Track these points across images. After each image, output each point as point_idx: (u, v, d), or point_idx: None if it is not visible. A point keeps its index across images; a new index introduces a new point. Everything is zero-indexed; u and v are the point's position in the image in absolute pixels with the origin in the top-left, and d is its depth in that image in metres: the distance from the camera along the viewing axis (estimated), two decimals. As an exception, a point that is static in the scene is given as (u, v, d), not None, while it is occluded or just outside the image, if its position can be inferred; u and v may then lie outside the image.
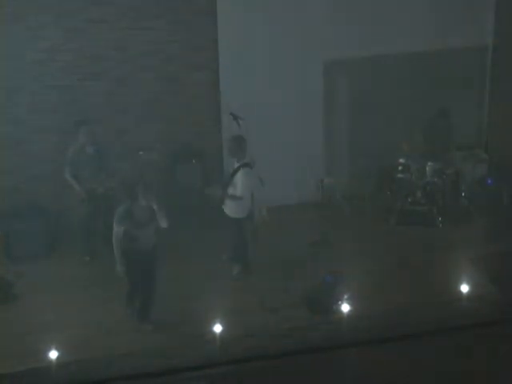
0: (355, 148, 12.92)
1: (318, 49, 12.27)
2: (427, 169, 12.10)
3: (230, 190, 10.21)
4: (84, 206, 10.91)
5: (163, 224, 9.17)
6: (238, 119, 10.98)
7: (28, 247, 11.21)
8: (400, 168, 12.30)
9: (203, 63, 12.15)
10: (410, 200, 12.19)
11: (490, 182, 12.63)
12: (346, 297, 9.56)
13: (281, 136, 12.31)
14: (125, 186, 9.57)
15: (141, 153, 11.71)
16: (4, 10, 11.12)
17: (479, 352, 8.79)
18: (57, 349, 8.59)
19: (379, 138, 12.57)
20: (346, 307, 9.39)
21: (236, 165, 10.25)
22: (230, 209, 10.32)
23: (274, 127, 12.23)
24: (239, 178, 10.11)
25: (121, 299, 9.77)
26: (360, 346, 9.00)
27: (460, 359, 8.68)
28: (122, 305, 9.76)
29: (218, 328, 9.01)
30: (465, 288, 9.74)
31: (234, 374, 8.73)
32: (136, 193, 9.03)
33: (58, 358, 8.54)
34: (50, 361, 8.53)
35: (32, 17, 11.29)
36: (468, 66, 13.15)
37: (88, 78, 11.75)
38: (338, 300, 9.52)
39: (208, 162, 12.38)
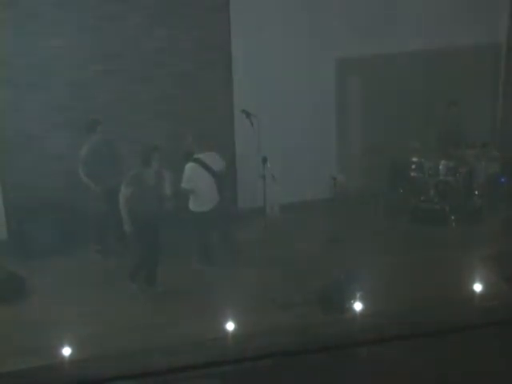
0: (368, 145, 12.90)
1: (330, 46, 12.26)
2: (440, 167, 12.08)
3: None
4: (98, 204, 10.93)
5: (168, 190, 9.90)
6: (251, 116, 10.98)
7: (41, 243, 11.27)
8: (413, 166, 12.28)
9: (216, 60, 12.15)
10: (422, 198, 12.17)
11: (502, 180, 12.58)
12: (358, 295, 9.53)
13: (293, 133, 12.32)
14: (140, 151, 10.04)
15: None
16: (19, 6, 11.16)
17: (492, 351, 8.76)
18: (68, 346, 8.60)
19: (392, 136, 12.54)
20: (358, 305, 9.37)
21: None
22: (190, 203, 10.70)
23: (286, 124, 12.25)
24: (185, 171, 10.52)
25: (133, 296, 9.84)
26: (372, 344, 8.96)
27: (473, 358, 8.65)
28: (133, 301, 9.81)
29: (229, 325, 9.01)
30: (478, 287, 9.71)
31: (245, 372, 8.71)
32: (150, 158, 9.72)
33: (69, 355, 8.55)
34: (62, 358, 8.55)
35: (46, 13, 11.32)
36: (481, 64, 13.11)
37: (102, 75, 11.77)
38: (350, 298, 9.49)
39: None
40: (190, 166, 10.55)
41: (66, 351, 8.55)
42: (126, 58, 11.78)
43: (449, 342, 8.87)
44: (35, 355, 8.67)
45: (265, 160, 10.67)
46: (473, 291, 9.68)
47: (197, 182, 10.52)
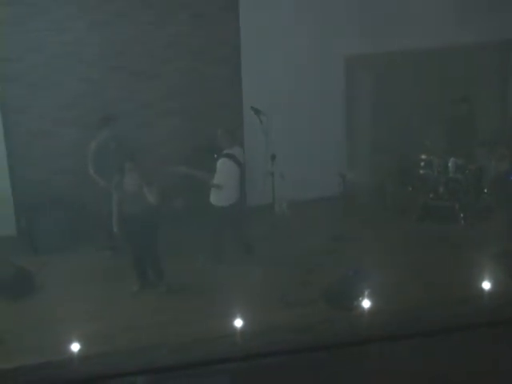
0: (377, 143, 12.87)
1: (339, 44, 12.24)
2: (450, 165, 12.03)
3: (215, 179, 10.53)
4: (105, 200, 10.95)
5: (151, 200, 9.74)
6: (260, 114, 10.99)
7: (51, 239, 11.29)
8: (422, 164, 12.24)
9: (225, 57, 12.15)
10: (431, 196, 12.14)
11: (512, 178, 12.53)
12: (366, 293, 9.52)
13: (302, 130, 12.31)
14: (117, 152, 10.34)
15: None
16: (29, 2, 11.18)
17: (501, 350, 8.74)
18: (78, 341, 8.63)
19: (401, 134, 12.52)
20: (366, 303, 9.36)
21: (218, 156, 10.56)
22: (212, 196, 10.62)
23: (295, 121, 12.24)
24: (217, 166, 10.44)
25: (143, 293, 9.91)
26: (380, 342, 8.98)
27: (481, 357, 8.63)
28: (141, 298, 9.85)
29: (237, 322, 9.01)
30: (486, 285, 9.69)
31: (254, 369, 8.74)
32: (123, 169, 9.76)
33: (78, 350, 8.58)
34: (71, 353, 8.57)
35: (56, 10, 11.34)
36: (491, 62, 13.06)
37: (111, 72, 11.79)
38: (358, 296, 9.48)
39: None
40: (223, 162, 10.47)
41: (73, 347, 8.58)
42: (136, 55, 11.80)
43: (456, 341, 8.89)
44: (42, 351, 8.68)
45: (273, 157, 10.68)
46: (481, 289, 9.67)
47: (228, 178, 10.49)
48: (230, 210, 10.64)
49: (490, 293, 9.64)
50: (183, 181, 11.48)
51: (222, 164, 10.46)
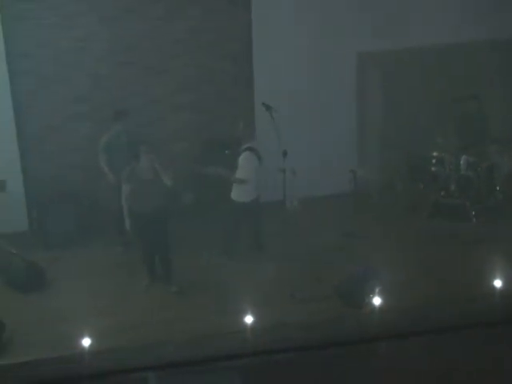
0: (388, 140, 12.85)
1: (351, 40, 12.22)
2: (461, 162, 11.99)
3: (236, 174, 10.41)
4: (114, 195, 10.97)
5: (167, 182, 9.59)
6: (271, 110, 10.96)
7: (62, 235, 11.34)
8: (434, 161, 12.21)
9: (237, 52, 12.15)
10: (443, 193, 12.11)
11: (524, 176, 12.49)
12: (377, 289, 9.50)
13: (313, 127, 12.30)
14: (130, 147, 10.05)
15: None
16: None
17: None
18: (87, 336, 8.65)
19: (413, 130, 12.50)
20: (376, 300, 9.35)
21: (240, 150, 10.42)
22: (234, 192, 10.52)
23: (307, 118, 12.24)
24: (241, 161, 10.34)
25: (154, 288, 9.93)
26: (390, 339, 8.96)
27: (491, 356, 8.61)
28: (152, 293, 9.87)
29: (248, 318, 9.02)
30: (497, 283, 9.66)
31: (263, 365, 8.74)
32: (138, 154, 9.53)
33: (88, 345, 8.60)
34: (80, 348, 8.59)
35: (67, 5, 11.36)
36: (503, 57, 12.99)
37: (121, 67, 11.81)
38: (369, 293, 9.46)
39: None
40: (246, 156, 10.37)
41: (83, 342, 8.60)
42: (146, 50, 11.81)
43: (466, 339, 8.85)
44: (53, 345, 8.70)
45: (285, 153, 10.64)
46: (492, 288, 9.63)
47: (252, 172, 10.41)
48: (251, 205, 10.58)
49: (501, 291, 9.60)
50: (193, 176, 11.51)
51: (246, 158, 10.36)
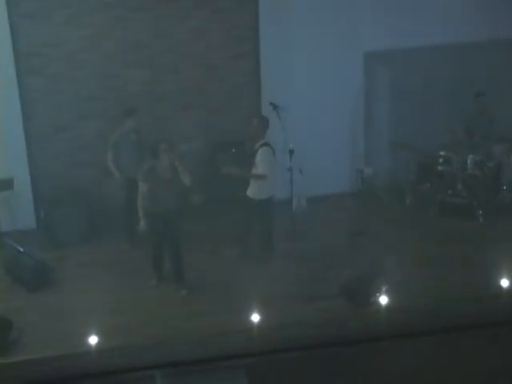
0: (395, 139, 12.83)
1: (359, 39, 12.22)
2: (468, 161, 11.98)
3: (254, 171, 10.24)
4: (124, 194, 11.00)
5: (186, 181, 9.44)
6: (278, 109, 10.99)
7: (69, 233, 11.36)
8: (440, 160, 12.20)
9: (244, 52, 12.17)
10: (450, 192, 12.10)
11: (531, 175, 12.48)
12: (384, 288, 9.50)
13: (320, 126, 12.31)
14: (149, 144, 9.86)
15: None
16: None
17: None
18: (95, 334, 8.67)
19: (419, 130, 12.49)
20: (384, 299, 9.35)
21: (256, 145, 10.22)
22: (251, 189, 10.34)
23: (313, 117, 12.24)
24: (259, 156, 10.11)
25: (162, 286, 9.96)
26: (397, 338, 8.97)
27: (500, 355, 8.62)
28: (160, 291, 9.89)
29: (255, 317, 9.03)
30: (504, 283, 9.65)
31: (270, 364, 8.76)
32: (157, 151, 9.37)
33: (96, 343, 8.62)
34: (89, 346, 8.62)
35: (76, 4, 11.39)
36: (509, 57, 12.98)
37: (130, 66, 11.84)
38: (376, 292, 9.46)
39: (248, 151, 12.40)
40: (265, 150, 10.12)
41: (91, 340, 8.62)
42: (156, 49, 11.84)
43: (474, 338, 8.86)
44: (61, 343, 8.71)
45: (292, 152, 10.66)
46: (499, 287, 9.63)
47: (270, 167, 10.19)
48: (266, 203, 10.40)
49: (508, 290, 9.59)
50: (204, 176, 11.56)
51: (264, 153, 10.11)
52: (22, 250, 10.72)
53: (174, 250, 9.84)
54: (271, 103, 11.09)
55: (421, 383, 8.62)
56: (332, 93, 12.33)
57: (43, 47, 11.43)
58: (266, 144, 10.19)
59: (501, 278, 9.67)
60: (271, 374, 8.67)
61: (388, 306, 9.28)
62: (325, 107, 12.33)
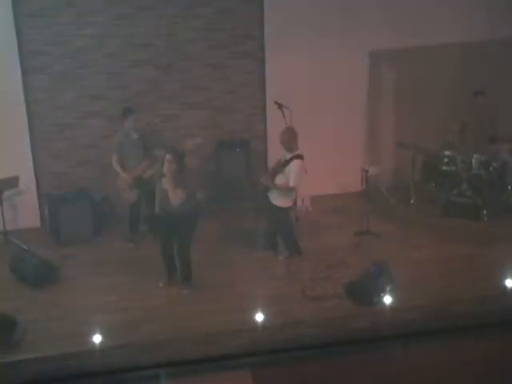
0: (400, 138, 12.82)
1: (364, 38, 12.21)
2: (473, 161, 11.97)
3: (278, 180, 10.23)
4: (129, 193, 11.00)
5: (174, 203, 9.34)
6: (283, 108, 10.99)
7: (74, 231, 11.34)
8: (445, 160, 12.19)
9: (249, 51, 12.16)
10: (455, 192, 12.08)
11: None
12: (388, 288, 9.50)
13: (325, 125, 12.30)
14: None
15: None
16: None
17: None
18: (99, 333, 8.69)
19: (424, 129, 12.48)
20: (388, 298, 9.35)
21: (288, 155, 10.22)
22: (278, 198, 10.31)
23: (318, 116, 12.24)
24: (292, 168, 10.13)
25: (167, 287, 9.98)
26: (400, 338, 8.98)
27: (505, 355, 8.61)
28: (166, 290, 9.90)
29: (259, 316, 9.03)
30: (508, 283, 9.64)
31: (275, 363, 8.76)
32: (163, 160, 9.38)
33: (99, 342, 8.64)
34: (94, 344, 8.63)
35: (82, 3, 11.40)
36: (510, 57, 12.95)
37: (134, 65, 11.84)
38: (380, 291, 9.46)
39: (252, 151, 12.42)
40: (298, 164, 10.12)
41: (96, 338, 8.64)
42: (160, 48, 11.84)
43: (479, 338, 8.85)
44: (65, 342, 8.73)
45: None
46: (503, 287, 9.62)
47: (300, 179, 10.27)
48: (287, 211, 10.49)
49: (512, 291, 9.61)
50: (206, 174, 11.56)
51: (298, 165, 10.13)
52: (26, 248, 10.76)
53: (182, 254, 9.80)
54: (276, 102, 11.10)
55: (422, 383, 8.59)
56: (337, 92, 12.32)
57: (48, 46, 11.42)
58: (299, 156, 10.20)
59: (504, 278, 9.67)
60: (275, 372, 8.67)
61: (392, 306, 9.28)
62: (329, 106, 12.32)
